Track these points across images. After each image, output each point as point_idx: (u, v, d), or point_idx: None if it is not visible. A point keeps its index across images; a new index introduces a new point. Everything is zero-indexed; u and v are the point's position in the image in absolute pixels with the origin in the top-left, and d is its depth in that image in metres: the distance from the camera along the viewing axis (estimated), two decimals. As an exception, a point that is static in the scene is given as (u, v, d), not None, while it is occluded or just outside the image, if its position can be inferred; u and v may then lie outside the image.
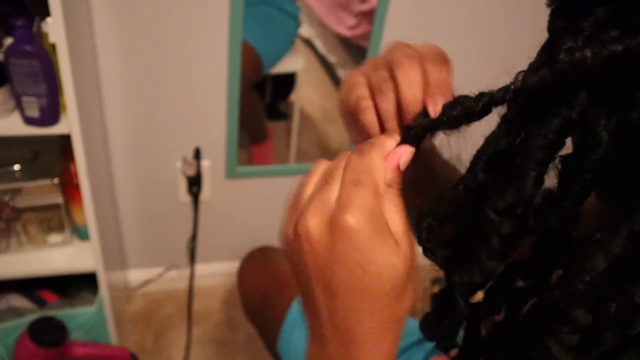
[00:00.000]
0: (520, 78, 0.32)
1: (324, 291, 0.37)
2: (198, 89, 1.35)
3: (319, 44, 1.61)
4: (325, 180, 0.38)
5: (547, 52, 0.33)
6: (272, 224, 1.70)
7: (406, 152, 0.39)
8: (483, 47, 1.46)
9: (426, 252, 0.39)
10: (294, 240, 0.38)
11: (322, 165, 0.41)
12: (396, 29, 1.36)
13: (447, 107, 0.38)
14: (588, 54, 0.28)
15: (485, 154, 0.34)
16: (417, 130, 0.40)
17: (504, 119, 0.34)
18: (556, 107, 0.30)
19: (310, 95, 1.66)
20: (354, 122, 0.48)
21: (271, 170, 1.59)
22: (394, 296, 0.36)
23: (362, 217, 0.35)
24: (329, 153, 1.64)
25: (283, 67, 1.52)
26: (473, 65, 1.48)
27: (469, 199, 0.36)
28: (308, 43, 1.58)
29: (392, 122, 0.44)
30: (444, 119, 0.38)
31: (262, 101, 1.61)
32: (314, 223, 0.36)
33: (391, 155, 0.39)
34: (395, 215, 0.37)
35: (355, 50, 1.54)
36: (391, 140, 0.40)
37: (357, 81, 0.47)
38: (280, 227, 0.41)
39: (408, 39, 1.42)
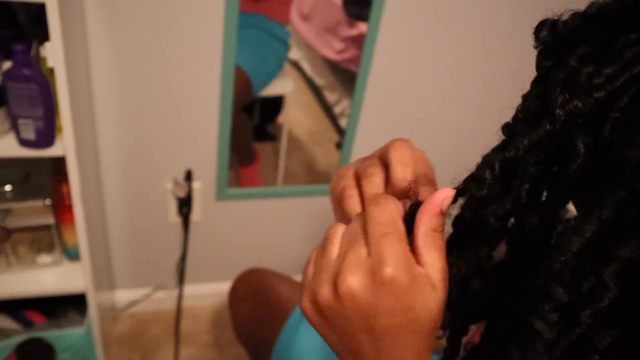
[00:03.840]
0: (524, 133, 0.36)
1: (369, 337, 0.39)
2: (190, 111, 1.37)
3: (306, 66, 1.64)
4: (353, 239, 0.40)
5: (539, 88, 0.38)
6: (261, 246, 1.72)
7: (448, 196, 0.40)
8: (472, 73, 1.50)
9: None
10: (335, 300, 0.39)
11: (340, 229, 0.42)
12: (386, 54, 1.40)
13: (469, 186, 0.40)
14: (580, 104, 0.33)
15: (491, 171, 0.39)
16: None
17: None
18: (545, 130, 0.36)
19: (298, 117, 1.68)
20: (341, 211, 0.50)
21: (261, 192, 1.61)
22: (430, 332, 0.39)
23: (400, 268, 0.36)
24: (316, 175, 1.66)
25: (272, 89, 1.55)
26: (462, 92, 1.53)
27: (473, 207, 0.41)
28: (296, 65, 1.61)
29: None
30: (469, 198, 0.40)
31: (251, 123, 1.64)
32: (356, 280, 0.37)
33: (433, 200, 0.39)
34: (436, 260, 0.39)
35: (343, 73, 1.58)
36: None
37: (344, 172, 0.50)
38: (301, 297, 0.42)
39: (397, 64, 1.45)
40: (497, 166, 0.37)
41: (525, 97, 0.39)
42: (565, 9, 0.37)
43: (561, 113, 0.34)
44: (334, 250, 0.41)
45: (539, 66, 0.38)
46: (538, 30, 0.37)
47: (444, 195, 0.39)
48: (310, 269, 0.42)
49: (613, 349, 0.35)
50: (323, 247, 0.42)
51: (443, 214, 0.39)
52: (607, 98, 0.32)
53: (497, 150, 0.40)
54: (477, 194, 0.38)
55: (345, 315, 0.39)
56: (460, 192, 0.39)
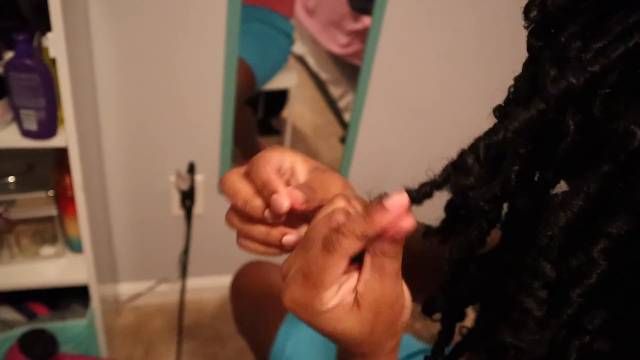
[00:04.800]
0: (515, 114, 0.35)
1: None
2: (193, 104, 1.37)
3: (311, 60, 1.64)
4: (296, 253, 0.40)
5: (530, 69, 0.37)
6: (264, 239, 1.72)
7: (402, 204, 0.35)
8: (476, 66, 1.49)
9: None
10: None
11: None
12: (389, 48, 1.39)
13: (453, 176, 0.38)
14: (573, 80, 0.32)
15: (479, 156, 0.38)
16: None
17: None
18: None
19: (302, 112, 1.68)
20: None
21: (264, 185, 1.60)
22: (360, 352, 0.39)
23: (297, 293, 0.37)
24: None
25: (276, 83, 1.54)
26: (466, 85, 1.52)
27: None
28: (300, 60, 1.60)
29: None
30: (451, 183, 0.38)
31: (255, 117, 1.63)
32: (288, 296, 0.38)
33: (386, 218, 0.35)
34: (373, 282, 0.37)
35: (348, 67, 1.57)
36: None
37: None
38: None
39: (400, 57, 1.43)
40: (481, 151, 0.36)
41: (517, 79, 0.38)
42: None
43: (554, 90, 0.33)
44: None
45: (529, 47, 0.37)
46: (527, 9, 0.37)
47: (397, 210, 0.34)
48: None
49: (604, 329, 0.34)
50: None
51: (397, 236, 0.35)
52: (601, 72, 0.32)
53: (487, 133, 0.39)
54: (462, 182, 0.36)
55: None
56: (443, 181, 0.37)
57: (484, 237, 0.40)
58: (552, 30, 0.35)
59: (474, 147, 0.37)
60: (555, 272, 0.34)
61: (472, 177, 0.36)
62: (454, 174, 0.37)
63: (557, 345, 0.35)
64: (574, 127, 0.34)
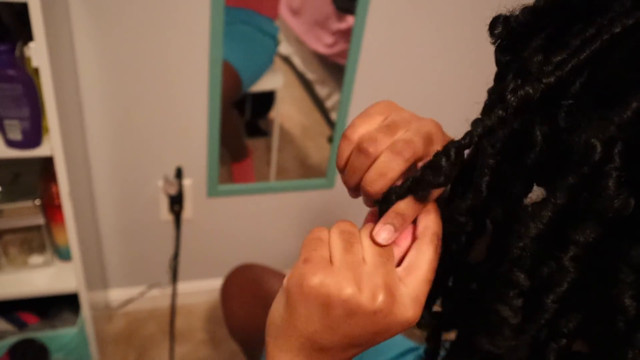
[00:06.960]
0: (480, 122, 0.37)
1: (333, 334, 0.40)
2: (179, 108, 1.36)
3: (297, 61, 1.64)
4: (346, 246, 0.40)
5: (498, 81, 0.39)
6: (254, 242, 1.72)
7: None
8: (461, 64, 1.50)
9: None
10: (311, 296, 0.39)
11: (342, 226, 0.42)
12: (373, 47, 1.40)
13: (425, 174, 0.40)
14: (530, 90, 0.33)
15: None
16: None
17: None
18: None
19: (289, 112, 1.67)
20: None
21: (252, 188, 1.60)
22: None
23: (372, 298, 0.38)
24: (308, 169, 1.66)
25: (263, 85, 1.54)
26: (450, 82, 1.52)
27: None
28: (287, 60, 1.60)
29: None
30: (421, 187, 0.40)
31: (242, 119, 1.63)
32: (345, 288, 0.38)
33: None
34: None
35: (334, 67, 1.57)
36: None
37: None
38: (291, 274, 0.40)
39: (384, 56, 1.44)
40: (452, 153, 0.37)
41: (489, 92, 0.40)
42: (520, 3, 0.38)
43: (512, 99, 0.34)
44: (359, 253, 0.40)
45: (497, 61, 0.39)
46: (492, 26, 0.38)
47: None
48: (319, 254, 0.40)
49: (580, 331, 0.35)
50: (349, 242, 0.40)
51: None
52: (557, 83, 0.33)
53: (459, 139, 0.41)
54: (434, 181, 0.38)
55: (312, 311, 0.39)
56: (417, 180, 0.39)
57: (465, 249, 0.41)
58: (518, 45, 0.36)
59: (445, 149, 0.38)
60: (529, 280, 0.35)
61: (442, 177, 0.38)
62: (427, 172, 0.39)
63: (536, 348, 0.36)
64: (541, 138, 0.35)
